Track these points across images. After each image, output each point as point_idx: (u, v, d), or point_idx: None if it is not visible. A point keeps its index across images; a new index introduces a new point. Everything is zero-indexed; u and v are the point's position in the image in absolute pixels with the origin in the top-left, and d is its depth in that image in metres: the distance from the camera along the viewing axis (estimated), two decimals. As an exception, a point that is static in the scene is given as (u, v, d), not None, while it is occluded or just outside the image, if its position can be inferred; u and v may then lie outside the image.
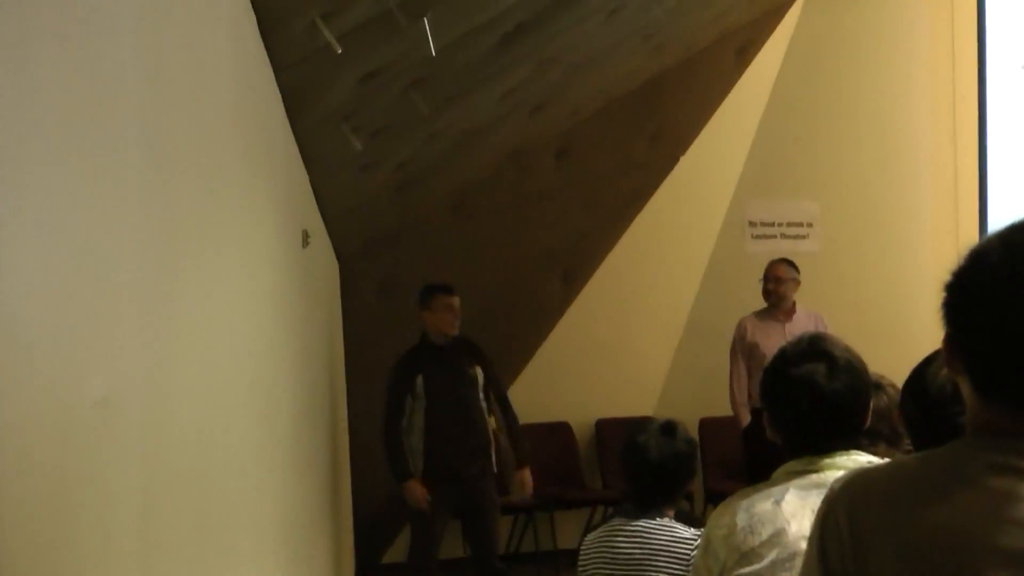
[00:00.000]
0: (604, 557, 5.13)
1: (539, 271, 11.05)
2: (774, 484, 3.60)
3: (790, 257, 10.64)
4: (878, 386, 4.09)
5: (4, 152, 2.19)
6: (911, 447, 3.47)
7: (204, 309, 3.96)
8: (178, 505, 3.47)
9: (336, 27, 5.35)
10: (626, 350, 11.76)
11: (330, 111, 6.65)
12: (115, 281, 2.85)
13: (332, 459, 8.55)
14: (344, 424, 9.41)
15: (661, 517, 5.10)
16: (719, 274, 11.87)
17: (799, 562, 3.26)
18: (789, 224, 12.21)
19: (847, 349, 3.64)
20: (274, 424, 5.63)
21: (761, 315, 10.42)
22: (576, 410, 11.67)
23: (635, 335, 11.80)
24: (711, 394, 10.99)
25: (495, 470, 8.88)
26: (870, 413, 3.66)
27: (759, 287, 10.42)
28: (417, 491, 8.62)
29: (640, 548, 5.05)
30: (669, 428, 5.25)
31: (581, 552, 5.27)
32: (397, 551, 10.15)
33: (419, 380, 8.68)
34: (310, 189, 7.39)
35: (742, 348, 10.36)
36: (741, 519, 3.57)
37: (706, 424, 11.50)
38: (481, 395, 8.87)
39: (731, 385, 10.35)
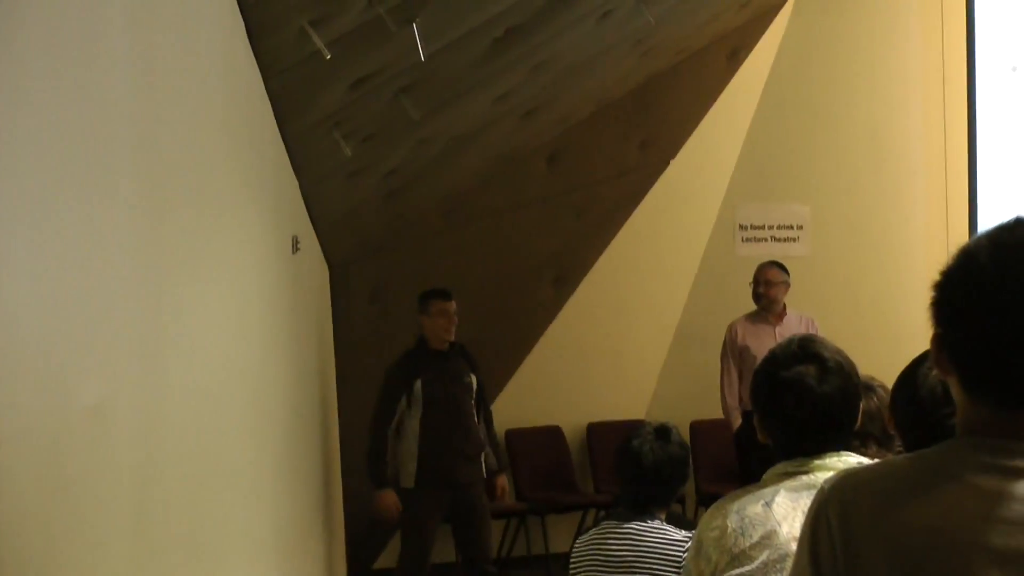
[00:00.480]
0: (595, 560, 5.14)
1: (530, 275, 11.05)
2: (765, 486, 3.60)
3: (781, 260, 10.65)
4: (868, 387, 4.10)
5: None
6: (902, 448, 3.48)
7: (195, 315, 3.96)
8: (171, 511, 3.47)
9: (326, 33, 5.35)
10: (617, 354, 11.76)
11: (320, 117, 6.65)
12: (106, 287, 2.85)
13: (324, 465, 8.54)
14: (335, 430, 9.41)
15: (653, 520, 5.11)
16: (710, 277, 11.88)
17: (790, 563, 3.26)
18: (780, 227, 12.21)
19: (837, 351, 3.64)
20: (266, 430, 5.63)
21: (752, 318, 10.43)
22: (568, 414, 11.66)
23: (626, 339, 11.80)
24: (702, 397, 10.99)
25: (485, 476, 8.91)
26: (861, 415, 3.67)
27: (750, 290, 10.43)
28: (389, 500, 8.64)
29: (632, 550, 5.05)
30: (663, 432, 5.27)
31: (572, 555, 5.28)
32: (389, 557, 10.14)
33: (418, 384, 8.69)
34: (300, 195, 7.38)
35: (733, 351, 10.37)
36: (732, 521, 3.57)
37: (697, 427, 11.49)
38: (473, 402, 8.89)
39: (722, 388, 10.36)
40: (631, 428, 5.51)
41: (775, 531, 3.50)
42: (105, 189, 2.86)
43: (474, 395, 8.91)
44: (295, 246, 6.86)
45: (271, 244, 5.94)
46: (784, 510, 3.51)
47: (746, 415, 9.82)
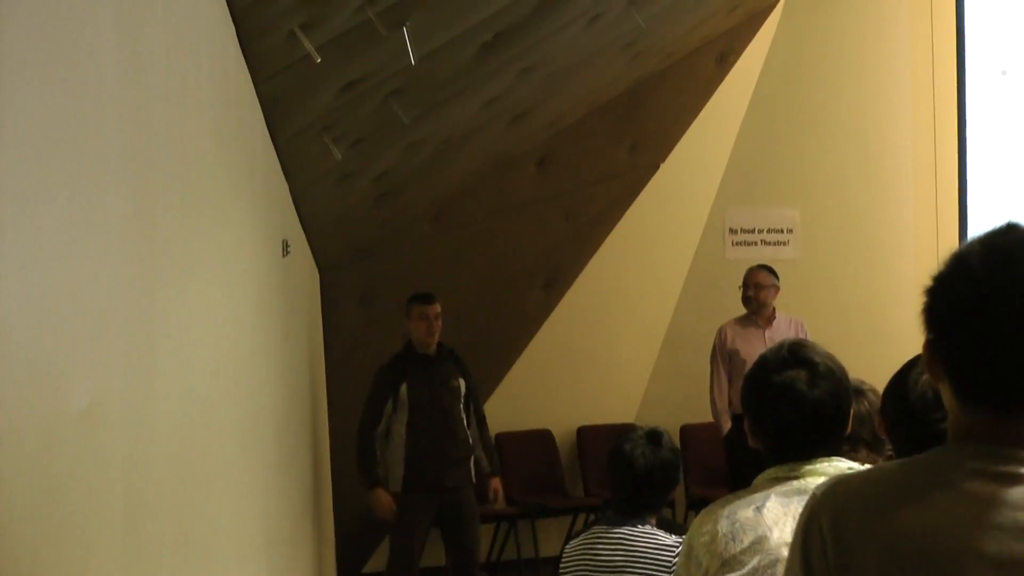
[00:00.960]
0: (586, 564, 5.14)
1: (520, 279, 11.05)
2: (756, 491, 3.60)
3: (771, 264, 10.66)
4: (859, 392, 4.10)
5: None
6: (892, 452, 3.48)
7: (185, 317, 3.95)
8: (161, 515, 3.47)
9: (316, 37, 5.35)
10: (607, 357, 11.77)
11: (310, 121, 6.64)
12: (97, 290, 2.85)
13: (314, 468, 8.54)
14: (325, 433, 9.41)
15: (643, 524, 5.11)
16: (700, 281, 11.90)
17: (780, 569, 3.27)
18: (770, 231, 12.24)
19: (828, 356, 3.65)
20: (256, 433, 5.63)
21: (741, 322, 10.44)
22: (558, 417, 11.67)
23: (616, 342, 11.81)
24: (692, 401, 11.01)
25: (474, 480, 8.91)
26: (851, 419, 3.67)
27: (739, 294, 10.44)
28: (383, 499, 8.67)
29: (622, 555, 5.05)
30: (655, 436, 5.27)
31: (562, 559, 5.28)
32: (379, 560, 10.14)
33: (403, 388, 8.70)
34: (290, 198, 7.38)
35: (722, 355, 10.38)
36: (723, 526, 3.57)
37: (687, 431, 11.51)
38: (462, 406, 8.89)
39: (712, 392, 10.37)
40: (621, 432, 5.51)
41: (766, 536, 3.50)
42: (95, 192, 2.86)
43: (462, 399, 8.91)
44: (285, 249, 6.85)
45: (261, 247, 5.93)
46: (775, 515, 3.51)
47: (736, 419, 9.83)
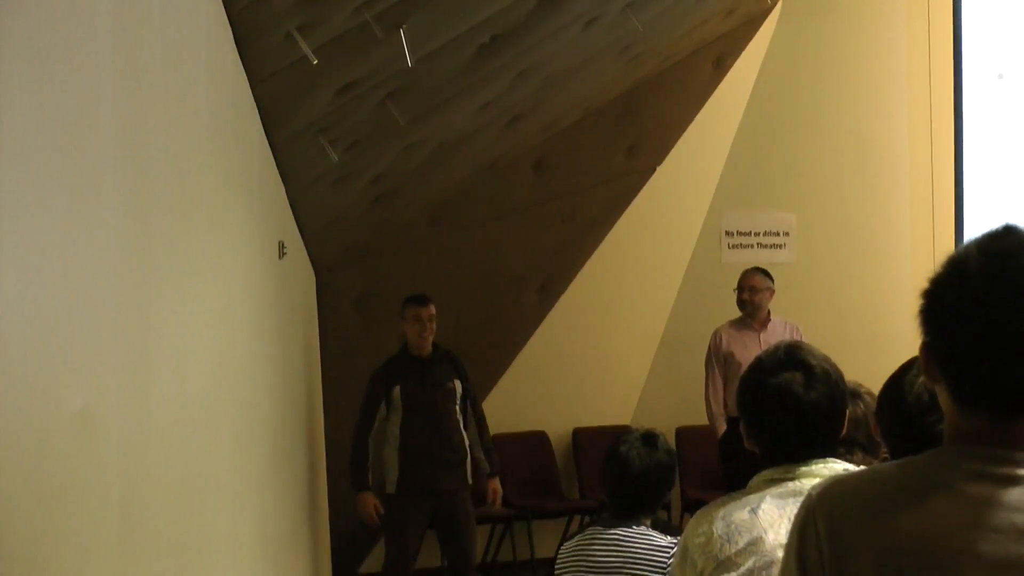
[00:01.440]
0: (581, 565, 5.14)
1: (516, 282, 11.05)
2: (751, 492, 3.60)
3: (767, 267, 10.66)
4: (855, 394, 4.11)
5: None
6: (887, 455, 3.48)
7: (182, 320, 3.95)
8: (156, 517, 3.47)
9: (312, 39, 5.35)
10: (603, 360, 11.77)
11: (307, 123, 6.64)
12: (92, 292, 2.84)
13: (309, 470, 8.53)
14: (321, 435, 9.40)
15: (639, 526, 5.11)
16: (696, 284, 11.90)
17: (776, 570, 3.27)
18: (766, 234, 12.24)
19: (823, 358, 3.65)
20: (252, 435, 5.63)
21: (736, 324, 10.44)
22: (553, 419, 11.67)
23: (612, 345, 11.81)
24: (688, 403, 11.01)
25: (470, 482, 8.90)
26: (847, 421, 3.67)
27: (735, 297, 10.44)
28: (369, 504, 8.67)
29: (617, 556, 5.06)
30: (650, 439, 5.28)
31: (557, 560, 5.28)
32: (374, 562, 10.13)
33: (396, 390, 8.70)
34: (287, 200, 7.38)
35: (717, 357, 10.38)
36: (718, 527, 3.57)
37: (683, 433, 11.50)
38: (458, 408, 8.88)
39: (707, 394, 10.37)
40: (617, 434, 5.52)
41: (761, 538, 3.50)
42: (91, 194, 2.86)
43: (458, 401, 8.89)
44: (281, 252, 6.85)
45: (257, 249, 5.93)
46: (770, 517, 3.51)
47: (731, 421, 9.84)
